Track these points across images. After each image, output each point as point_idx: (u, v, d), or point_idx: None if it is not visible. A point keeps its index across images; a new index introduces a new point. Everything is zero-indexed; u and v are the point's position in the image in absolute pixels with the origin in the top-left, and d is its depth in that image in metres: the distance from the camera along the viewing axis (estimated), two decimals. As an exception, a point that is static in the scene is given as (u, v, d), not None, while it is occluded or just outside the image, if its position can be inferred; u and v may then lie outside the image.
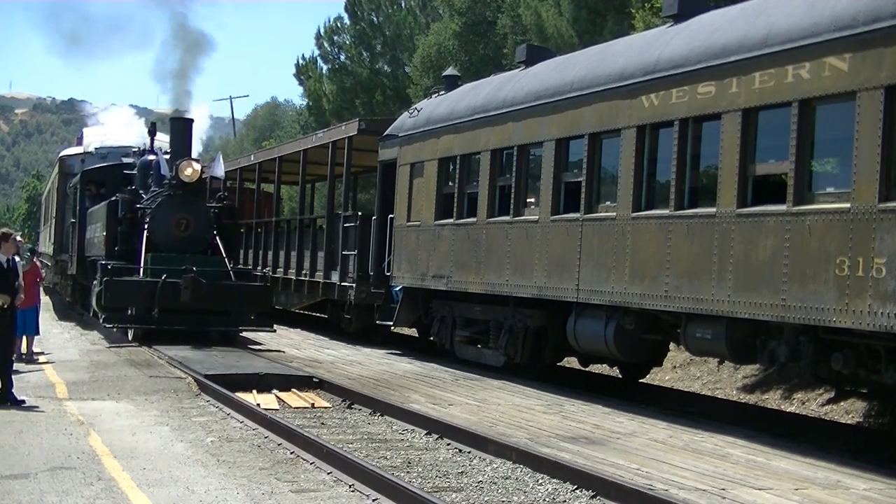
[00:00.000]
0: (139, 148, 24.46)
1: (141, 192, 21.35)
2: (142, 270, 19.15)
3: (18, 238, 15.82)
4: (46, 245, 37.20)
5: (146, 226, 19.73)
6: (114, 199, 21.41)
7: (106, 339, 19.71)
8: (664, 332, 12.82)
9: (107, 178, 25.13)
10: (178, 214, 19.65)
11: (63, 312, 28.16)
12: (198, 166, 19.72)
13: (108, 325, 19.06)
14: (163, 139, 23.89)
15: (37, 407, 11.69)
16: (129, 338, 19.06)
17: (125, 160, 25.49)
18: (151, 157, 22.48)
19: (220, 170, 22.00)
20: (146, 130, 24.79)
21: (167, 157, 21.21)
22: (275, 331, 19.98)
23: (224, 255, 19.73)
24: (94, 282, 20.71)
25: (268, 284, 20.61)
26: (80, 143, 36.37)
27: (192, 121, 21.83)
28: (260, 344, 19.20)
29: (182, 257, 19.06)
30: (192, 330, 18.52)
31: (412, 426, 11.00)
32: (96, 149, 31.49)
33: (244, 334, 19.93)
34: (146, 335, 18.59)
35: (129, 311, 18.79)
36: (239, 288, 19.22)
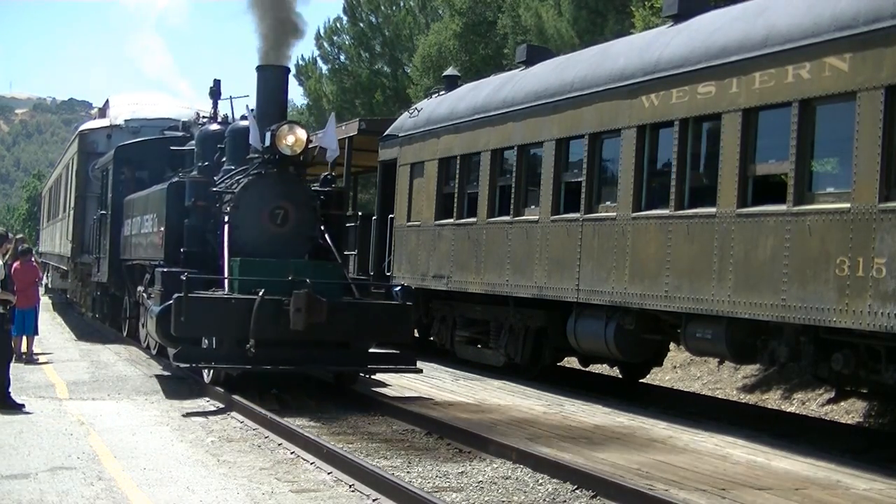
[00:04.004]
0: (197, 116, 19.56)
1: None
2: (226, 283, 13.07)
3: None
4: (59, 244, 29.55)
5: (226, 218, 13.85)
6: (176, 179, 15.66)
7: (159, 380, 14.13)
8: (664, 332, 12.83)
9: (147, 157, 19.24)
10: (273, 202, 13.80)
11: (81, 330, 22.55)
12: (303, 133, 13.83)
13: (181, 365, 12.77)
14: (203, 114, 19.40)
15: (37, 408, 11.69)
16: (207, 380, 13.30)
17: (169, 133, 20.08)
18: (215, 126, 16.97)
19: (334, 140, 14.93)
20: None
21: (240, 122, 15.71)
22: (421, 371, 13.70)
23: (339, 260, 14.25)
24: (146, 298, 15.28)
25: (408, 303, 13.61)
26: (103, 114, 28.88)
27: (288, 70, 14.86)
28: (386, 385, 13.85)
29: (283, 264, 13.01)
30: (300, 371, 13.27)
31: (412, 426, 10.99)
32: (126, 121, 25.37)
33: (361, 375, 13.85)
34: (227, 377, 13.03)
35: (208, 344, 12.96)
36: (372, 309, 13.25)
